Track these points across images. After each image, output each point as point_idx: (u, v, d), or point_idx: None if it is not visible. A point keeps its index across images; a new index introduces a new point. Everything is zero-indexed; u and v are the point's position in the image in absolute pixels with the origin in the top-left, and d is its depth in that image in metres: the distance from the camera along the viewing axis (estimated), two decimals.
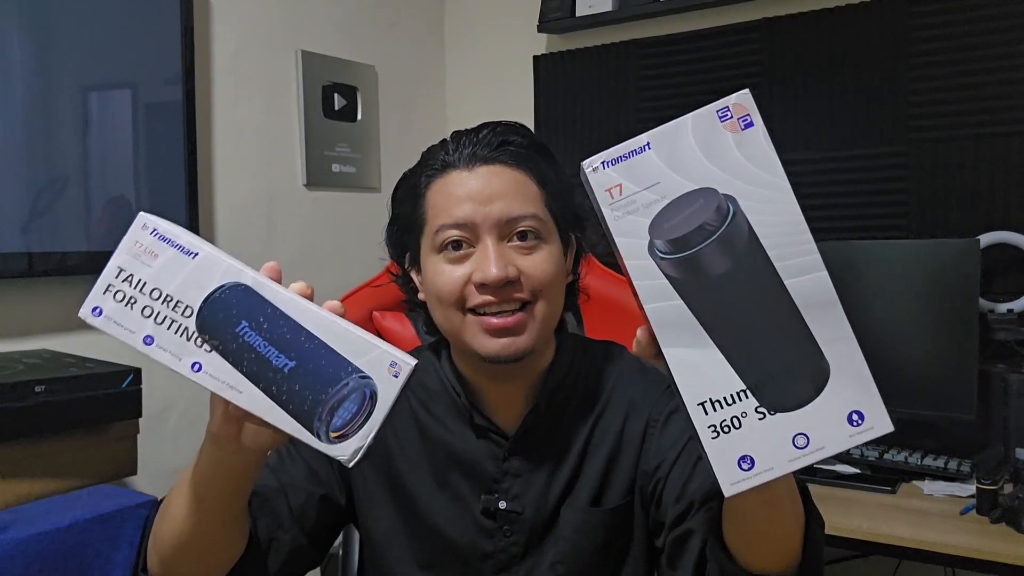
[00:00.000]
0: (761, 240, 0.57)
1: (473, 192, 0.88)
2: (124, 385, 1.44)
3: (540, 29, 2.45)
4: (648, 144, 0.58)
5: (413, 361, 0.62)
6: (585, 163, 0.58)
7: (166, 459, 1.77)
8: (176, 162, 1.83)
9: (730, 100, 0.57)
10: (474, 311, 0.87)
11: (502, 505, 0.92)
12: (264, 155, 2.11)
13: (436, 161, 0.92)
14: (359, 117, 2.37)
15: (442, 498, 0.94)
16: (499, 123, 0.93)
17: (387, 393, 0.62)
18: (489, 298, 0.86)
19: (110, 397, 1.42)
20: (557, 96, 2.50)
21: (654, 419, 0.93)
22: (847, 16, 2.07)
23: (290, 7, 2.18)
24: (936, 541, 1.45)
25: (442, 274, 0.88)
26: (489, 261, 0.85)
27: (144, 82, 1.80)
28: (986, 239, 1.83)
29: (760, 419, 0.56)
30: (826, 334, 0.57)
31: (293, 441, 0.94)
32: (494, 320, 0.86)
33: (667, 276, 0.57)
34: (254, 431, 0.69)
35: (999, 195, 1.91)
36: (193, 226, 1.87)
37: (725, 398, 0.57)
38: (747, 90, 0.58)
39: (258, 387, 0.62)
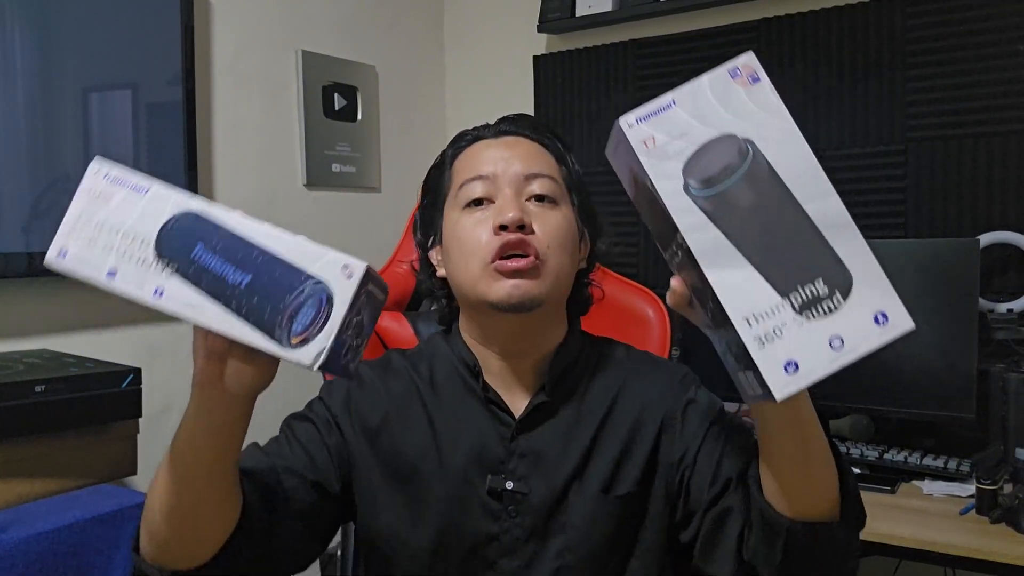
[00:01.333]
0: (779, 174, 0.65)
1: (495, 154, 0.96)
2: (124, 385, 1.44)
3: (540, 29, 2.45)
4: (673, 102, 0.67)
5: (364, 263, 0.64)
6: (621, 120, 0.67)
7: None
8: (176, 162, 1.83)
9: (739, 61, 0.67)
10: (491, 262, 0.91)
11: (508, 485, 0.92)
12: (264, 155, 2.11)
13: (466, 136, 1.01)
14: (359, 117, 2.37)
15: (448, 482, 0.94)
16: (524, 115, 1.03)
17: (343, 295, 0.64)
18: (508, 237, 0.90)
19: (110, 397, 1.42)
20: (557, 96, 2.50)
21: (672, 411, 0.95)
22: (845, 16, 2.08)
23: (290, 7, 2.18)
24: (936, 541, 1.45)
25: (464, 227, 0.93)
26: (507, 205, 0.91)
27: (144, 82, 1.80)
28: (986, 239, 1.83)
29: (799, 327, 0.63)
30: (845, 248, 0.64)
31: (291, 427, 0.97)
32: (508, 263, 0.90)
33: (703, 210, 0.65)
34: (236, 370, 0.69)
35: (998, 194, 1.91)
36: None
37: (766, 311, 0.63)
38: (751, 52, 0.68)
39: (218, 303, 0.65)
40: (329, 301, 0.63)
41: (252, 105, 2.09)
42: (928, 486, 1.69)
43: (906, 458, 1.75)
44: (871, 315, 0.63)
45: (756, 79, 0.67)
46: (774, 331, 0.63)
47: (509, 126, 0.99)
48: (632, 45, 2.37)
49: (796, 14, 2.13)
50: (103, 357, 1.56)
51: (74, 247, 0.67)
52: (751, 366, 0.63)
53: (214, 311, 0.65)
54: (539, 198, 0.94)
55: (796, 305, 0.63)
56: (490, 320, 0.94)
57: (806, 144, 0.66)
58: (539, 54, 2.53)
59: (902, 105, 2.01)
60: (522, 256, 0.90)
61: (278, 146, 2.16)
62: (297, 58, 2.18)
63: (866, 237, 0.65)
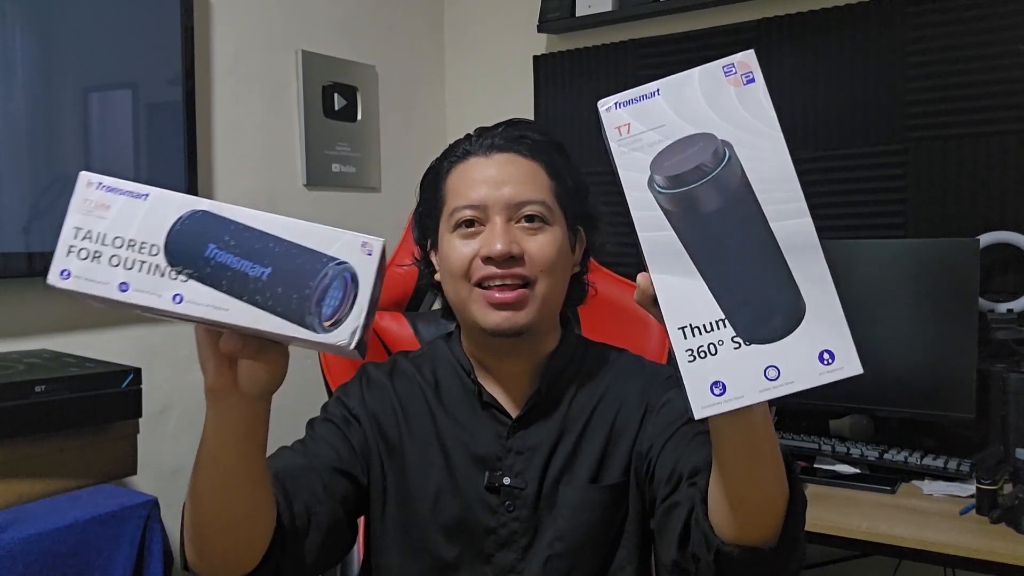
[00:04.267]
0: (752, 184, 0.61)
1: (487, 177, 0.97)
2: (124, 385, 1.44)
3: (540, 29, 2.45)
4: (658, 90, 0.63)
5: (381, 239, 0.64)
6: (600, 102, 0.63)
7: (166, 459, 1.78)
8: (176, 162, 1.83)
9: (736, 58, 0.62)
10: (480, 285, 0.94)
11: (506, 481, 0.97)
12: (264, 155, 2.11)
13: (458, 150, 1.02)
14: (359, 117, 2.37)
15: (449, 479, 0.99)
16: (520, 120, 1.02)
17: (367, 271, 0.63)
18: (493, 270, 0.93)
19: (110, 397, 1.42)
20: (557, 96, 2.50)
21: (652, 405, 1.00)
22: (845, 16, 2.07)
23: (290, 7, 2.18)
24: (936, 541, 1.45)
25: (454, 249, 0.96)
26: (495, 237, 0.93)
27: (144, 82, 1.80)
28: (986, 239, 1.83)
29: (735, 348, 0.60)
30: (805, 275, 0.60)
31: (313, 427, 1.01)
32: (497, 294, 0.94)
33: (662, 209, 0.62)
34: (248, 371, 0.69)
35: (998, 194, 1.91)
36: None
37: (704, 325, 0.60)
38: (752, 50, 0.63)
39: (242, 301, 0.63)
40: (354, 280, 0.63)
41: (252, 105, 2.09)
42: (928, 486, 1.69)
43: (906, 458, 1.75)
44: (816, 351, 0.59)
45: (751, 80, 0.62)
46: (709, 347, 0.60)
47: (501, 141, 0.99)
48: (632, 45, 2.37)
49: (796, 13, 2.13)
50: (103, 357, 1.56)
51: (76, 266, 0.63)
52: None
53: (240, 308, 0.63)
54: (529, 218, 0.96)
55: (738, 326, 0.60)
56: (483, 337, 0.99)
57: (789, 158, 0.61)
58: (539, 54, 2.53)
59: (902, 105, 2.01)
60: (511, 288, 0.93)
61: (278, 146, 2.16)
62: (297, 58, 2.18)
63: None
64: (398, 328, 1.42)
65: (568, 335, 1.06)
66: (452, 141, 1.05)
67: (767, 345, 0.59)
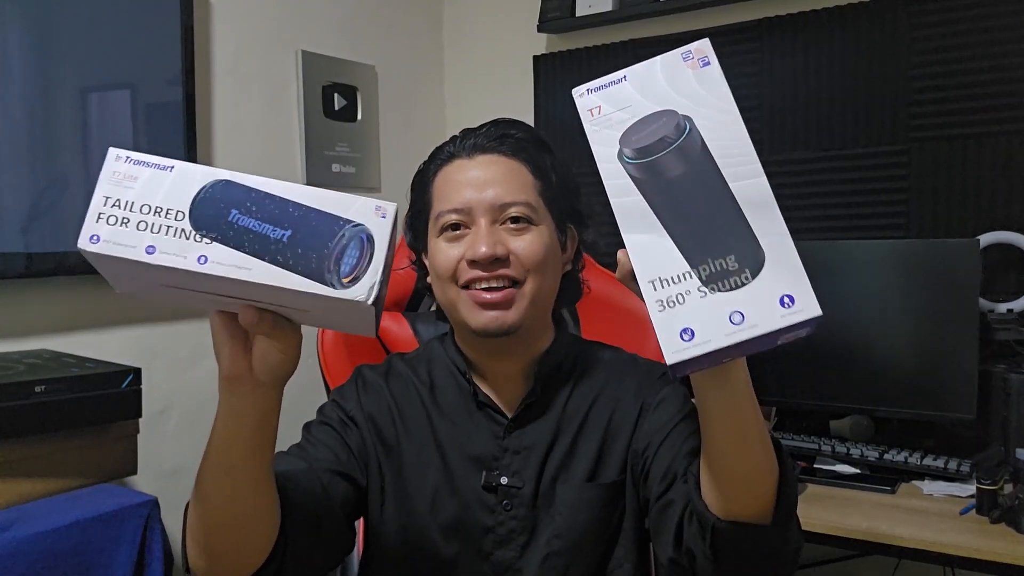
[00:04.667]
0: (712, 152, 0.67)
1: (471, 179, 0.97)
2: (124, 385, 1.44)
3: (540, 29, 2.45)
4: (625, 76, 0.70)
5: (394, 204, 0.69)
6: (574, 90, 0.71)
7: (166, 459, 1.78)
8: None
9: (692, 45, 0.70)
10: (467, 287, 0.95)
11: (503, 480, 0.98)
12: (264, 155, 2.12)
13: (444, 152, 1.02)
14: (359, 117, 2.37)
15: (446, 479, 0.99)
16: (504, 120, 1.02)
17: (381, 232, 0.68)
18: (479, 273, 0.94)
19: (110, 397, 1.42)
20: (557, 96, 2.50)
21: (647, 404, 1.01)
22: (846, 16, 2.07)
23: (290, 7, 2.18)
24: (936, 541, 1.45)
25: (441, 252, 0.97)
26: (480, 240, 0.94)
27: (144, 82, 1.80)
28: (986, 239, 1.83)
29: (702, 297, 0.64)
30: (764, 228, 0.65)
31: (310, 431, 1.01)
32: (485, 295, 0.94)
33: (632, 177, 0.68)
34: (263, 354, 0.71)
35: (999, 195, 1.91)
36: None
37: (672, 277, 0.65)
38: (707, 39, 0.70)
39: (264, 261, 0.66)
40: (370, 240, 0.67)
41: (252, 105, 2.09)
42: (928, 486, 1.69)
43: (906, 458, 1.75)
44: (777, 296, 0.63)
45: (706, 63, 0.69)
46: (676, 297, 0.64)
47: (484, 141, 0.99)
48: (632, 45, 2.37)
49: (797, 13, 2.13)
50: (103, 357, 1.56)
51: (106, 231, 0.67)
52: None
53: (263, 267, 0.66)
54: (515, 219, 0.96)
55: (703, 276, 0.65)
56: (473, 338, 0.99)
57: (744, 128, 0.68)
58: (539, 54, 2.53)
59: (904, 105, 2.01)
60: (498, 289, 0.94)
61: (278, 146, 2.16)
62: (297, 58, 2.18)
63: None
64: (398, 328, 1.42)
65: (561, 334, 1.06)
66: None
67: (731, 292, 0.64)
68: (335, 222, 0.68)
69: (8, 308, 1.61)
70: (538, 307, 0.98)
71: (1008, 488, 1.55)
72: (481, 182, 0.96)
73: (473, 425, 1.01)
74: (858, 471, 1.77)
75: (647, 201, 0.67)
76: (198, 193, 0.68)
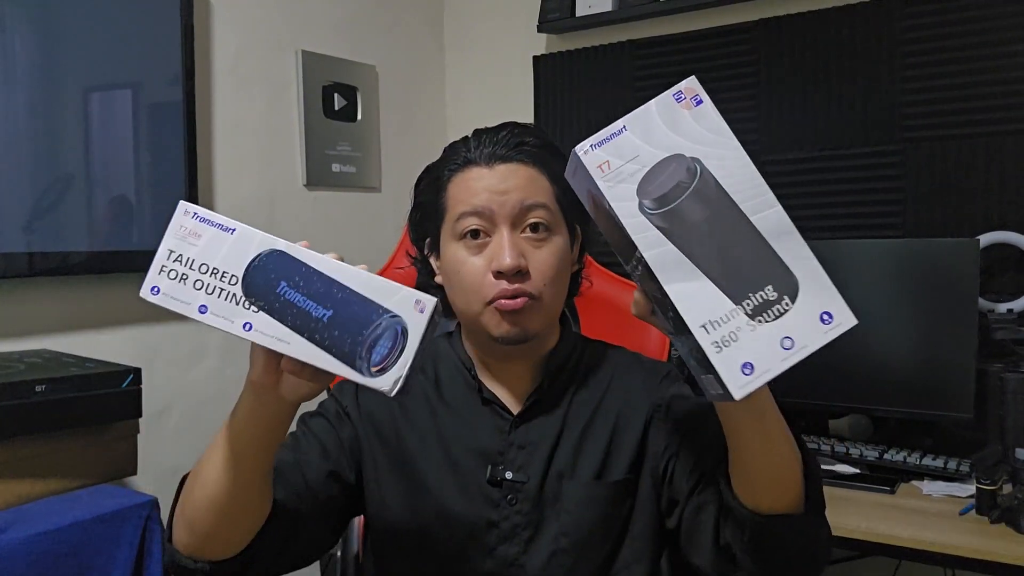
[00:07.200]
0: (726, 189, 0.70)
1: (491, 185, 0.97)
2: (124, 385, 1.44)
3: (540, 29, 2.45)
4: (624, 127, 0.71)
5: (435, 299, 0.71)
6: (577, 148, 0.72)
7: (166, 459, 1.78)
8: (177, 162, 1.83)
9: (682, 86, 0.72)
10: (490, 301, 0.97)
11: (508, 475, 0.99)
12: (264, 155, 2.12)
13: (459, 157, 1.01)
14: (359, 117, 2.37)
15: (450, 473, 1.00)
16: (517, 125, 1.03)
17: (416, 327, 0.71)
18: (504, 287, 0.95)
19: (110, 397, 1.42)
20: (557, 96, 2.50)
21: (657, 404, 1.02)
22: (842, 16, 2.08)
23: (290, 7, 2.18)
24: (935, 541, 1.45)
25: (464, 263, 0.98)
26: (504, 250, 0.95)
27: (145, 82, 1.80)
28: (985, 239, 1.83)
29: (752, 330, 0.67)
30: (790, 254, 0.69)
31: (305, 423, 1.03)
32: (507, 302, 0.95)
33: (657, 227, 0.70)
34: (294, 383, 0.74)
35: (994, 195, 1.91)
36: None
37: (721, 317, 0.68)
38: (693, 76, 0.72)
39: (303, 337, 0.71)
40: (404, 333, 0.70)
41: (252, 105, 2.09)
42: (927, 486, 1.70)
43: (905, 458, 1.75)
44: (817, 315, 0.67)
45: (699, 101, 0.71)
46: (730, 336, 0.67)
47: (503, 150, 0.99)
48: (632, 45, 2.37)
49: (795, 14, 2.13)
50: (103, 357, 1.56)
51: (166, 284, 0.72)
52: (711, 370, 0.67)
53: (300, 343, 0.70)
54: (534, 227, 0.97)
55: (748, 311, 0.68)
56: (490, 343, 1.00)
57: (748, 159, 0.70)
58: (539, 54, 2.53)
59: (899, 105, 2.01)
60: (516, 297, 0.96)
61: (278, 146, 2.16)
62: (297, 58, 2.19)
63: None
64: None
65: (567, 333, 1.07)
66: (452, 141, 1.05)
67: (776, 321, 0.67)
68: (375, 310, 0.70)
69: (9, 308, 1.61)
70: (552, 314, 1.01)
71: (1007, 488, 1.55)
72: (501, 189, 0.97)
73: (478, 420, 1.02)
74: (857, 471, 1.77)
75: (679, 248, 0.69)
76: (253, 260, 0.72)
